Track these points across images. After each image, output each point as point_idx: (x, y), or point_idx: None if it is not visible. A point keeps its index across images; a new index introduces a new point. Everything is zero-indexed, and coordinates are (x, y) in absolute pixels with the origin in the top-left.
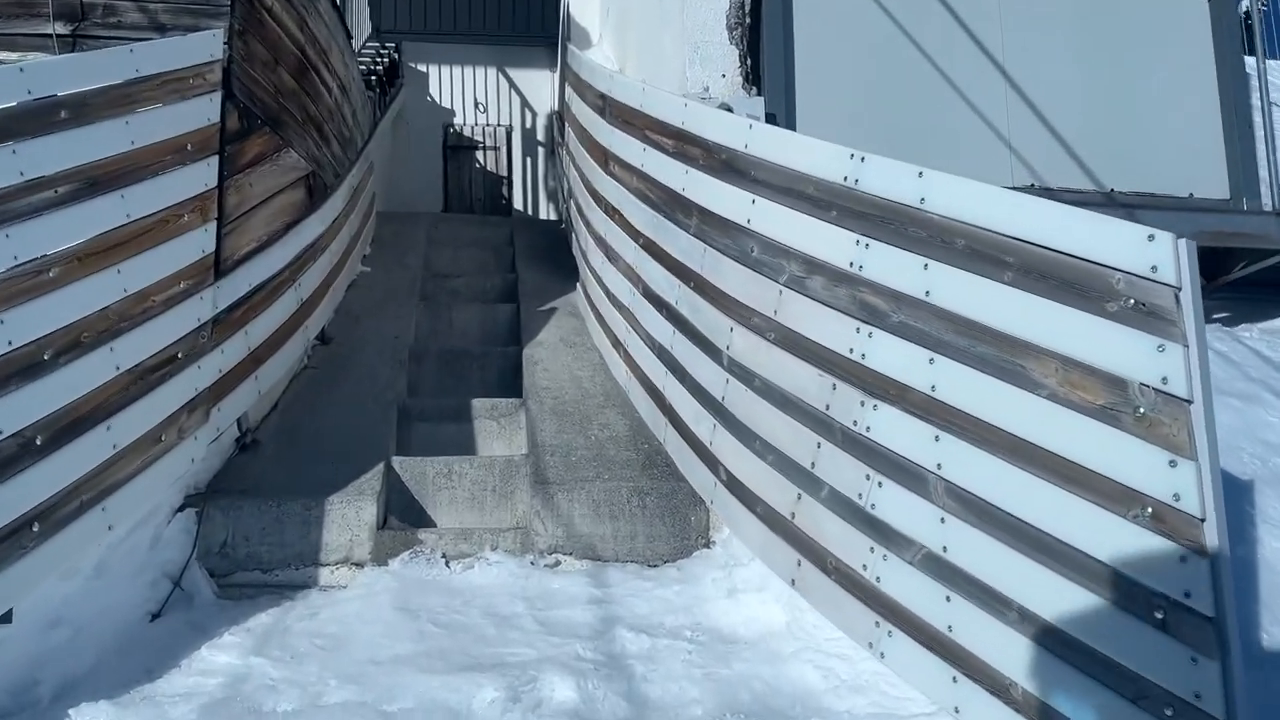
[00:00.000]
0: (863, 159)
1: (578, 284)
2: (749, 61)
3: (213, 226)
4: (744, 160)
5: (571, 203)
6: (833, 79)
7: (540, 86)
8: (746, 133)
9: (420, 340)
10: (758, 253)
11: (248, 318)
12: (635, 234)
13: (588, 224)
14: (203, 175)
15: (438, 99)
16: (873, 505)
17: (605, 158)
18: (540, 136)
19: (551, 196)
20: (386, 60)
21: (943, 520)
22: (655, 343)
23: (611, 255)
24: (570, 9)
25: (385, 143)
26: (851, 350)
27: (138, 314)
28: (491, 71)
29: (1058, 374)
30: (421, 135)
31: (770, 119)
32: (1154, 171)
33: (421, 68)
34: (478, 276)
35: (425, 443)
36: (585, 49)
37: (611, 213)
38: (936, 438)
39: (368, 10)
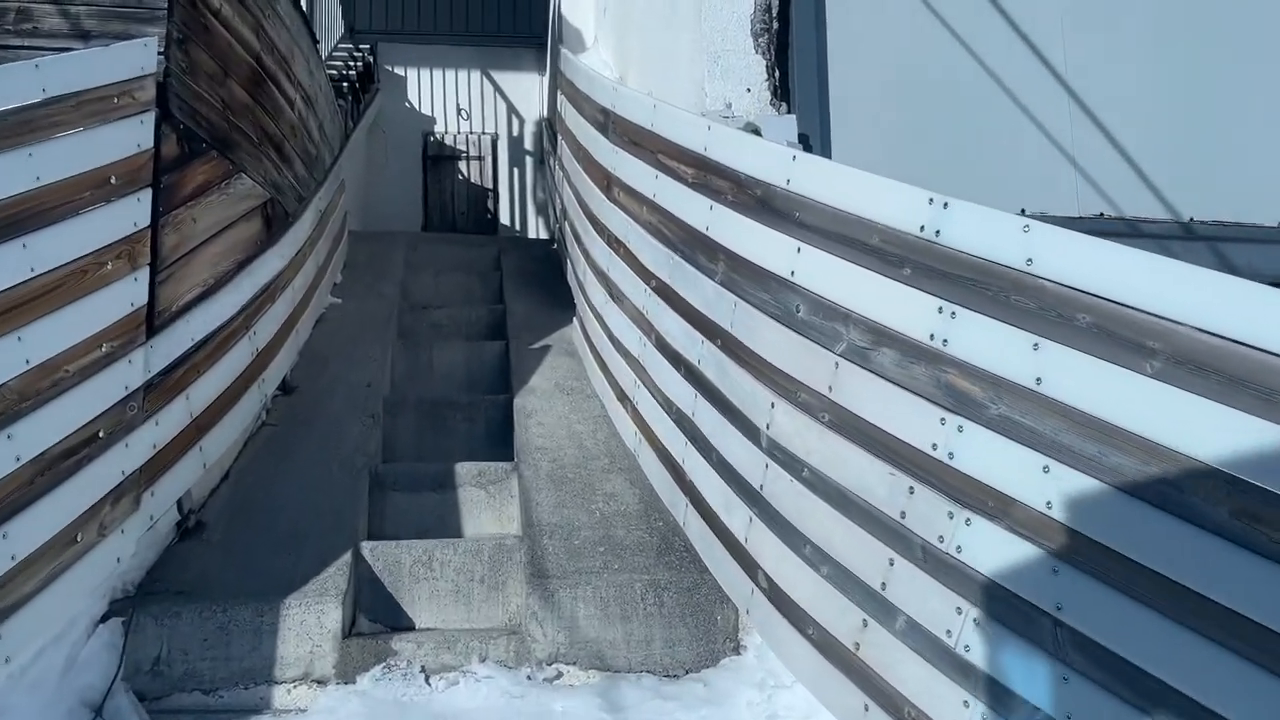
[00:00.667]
0: (945, 205)
1: (573, 317)
2: (777, 73)
3: (144, 274)
4: (786, 199)
5: (566, 225)
6: (872, 94)
7: (528, 91)
8: (788, 165)
9: (396, 387)
10: (805, 313)
11: (189, 379)
12: (646, 274)
13: (586, 254)
14: (131, 213)
15: (417, 105)
16: (966, 648)
17: (608, 181)
18: (529, 145)
19: (541, 210)
20: (360, 64)
21: (1065, 680)
22: (673, 406)
23: (616, 294)
24: (561, 7)
25: (359, 155)
26: (935, 446)
27: (45, 390)
28: (475, 75)
29: (1228, 500)
30: (399, 145)
31: (803, 141)
32: (1240, 198)
33: (399, 71)
34: (461, 307)
35: (401, 517)
36: (579, 52)
37: (615, 245)
38: (1055, 570)
39: (339, 9)
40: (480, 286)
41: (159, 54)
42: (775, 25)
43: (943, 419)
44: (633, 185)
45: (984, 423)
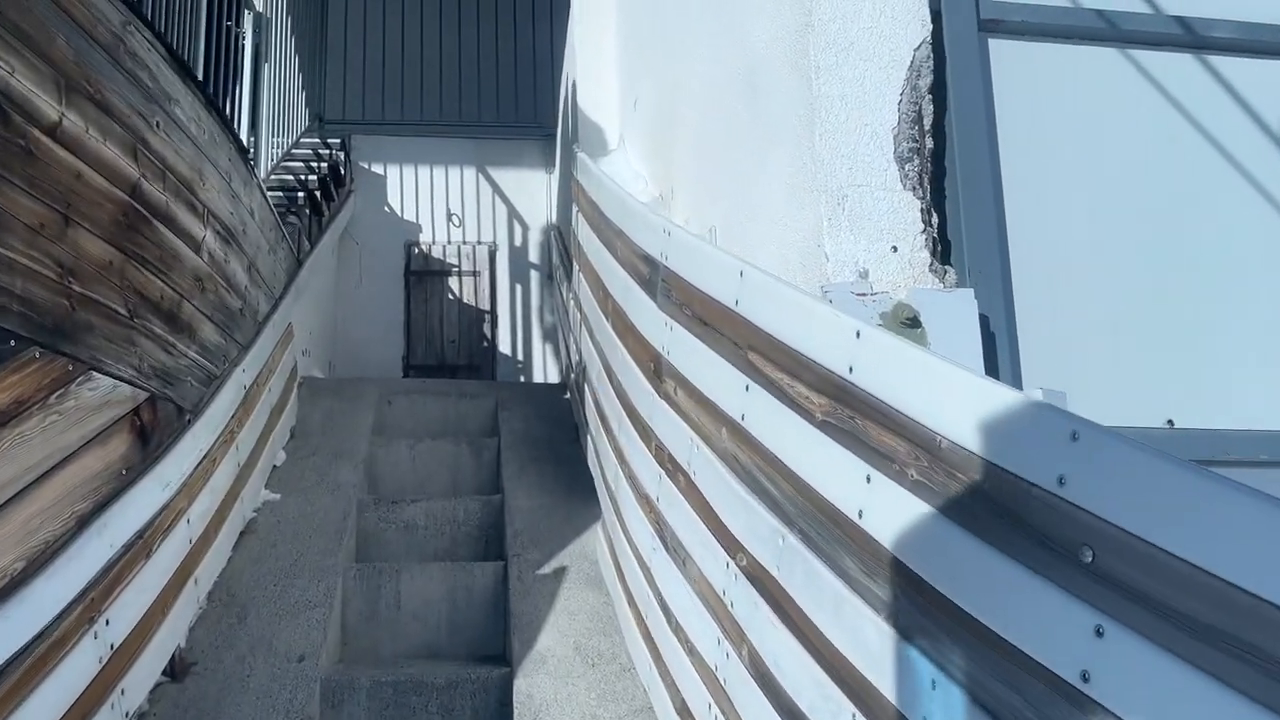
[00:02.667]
0: None
1: (598, 524)
2: (934, 219)
3: None
4: (1066, 515)
5: (585, 388)
6: (1074, 244)
7: (533, 191)
8: (1064, 451)
9: (347, 649)
10: None
11: None
12: (730, 541)
13: (618, 452)
14: None
15: (398, 210)
16: None
17: (656, 365)
18: (534, 256)
19: (549, 335)
20: (329, 161)
21: None
22: None
23: (673, 545)
24: (576, 97)
25: (323, 275)
26: None
27: None
28: (469, 173)
29: None
30: (376, 258)
31: (984, 328)
32: None
33: (377, 169)
34: (445, 500)
35: None
36: (599, 156)
37: (670, 468)
38: None
39: (303, 95)
40: (471, 462)
41: None
42: (929, 143)
43: None
44: (701, 388)
45: None
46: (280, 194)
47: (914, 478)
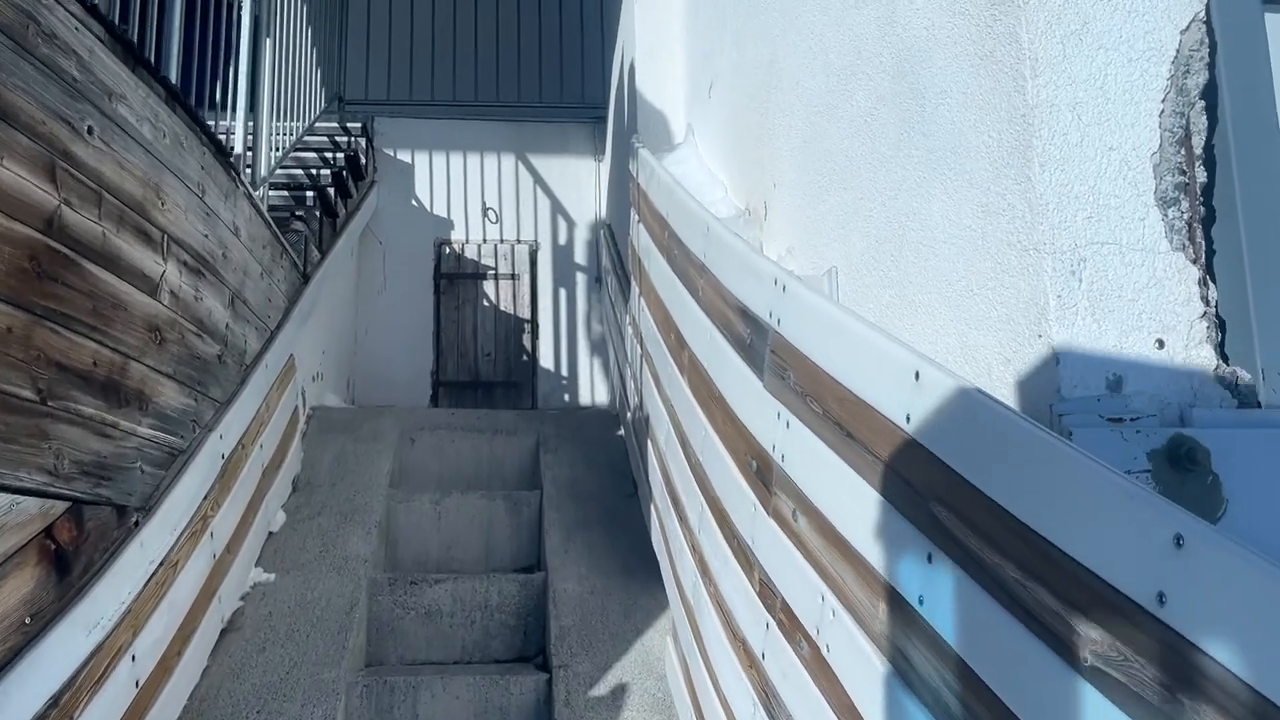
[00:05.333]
0: None
1: (665, 626)
2: (1211, 291)
3: None
4: None
5: (650, 450)
6: None
7: (580, 181)
8: None
9: None
10: None
11: None
12: None
13: (700, 561)
14: None
15: (427, 204)
16: None
17: (762, 468)
18: (580, 257)
19: (597, 348)
20: (346, 151)
21: None
22: None
23: (768, 693)
24: (635, 76)
25: (339, 285)
26: None
27: None
28: (508, 161)
29: None
30: (402, 259)
31: None
32: None
33: (404, 156)
34: (475, 579)
35: None
36: (663, 151)
37: (788, 625)
38: None
39: (319, 71)
40: (508, 522)
41: None
42: (1199, 174)
43: None
44: (841, 529)
45: None
46: (286, 193)
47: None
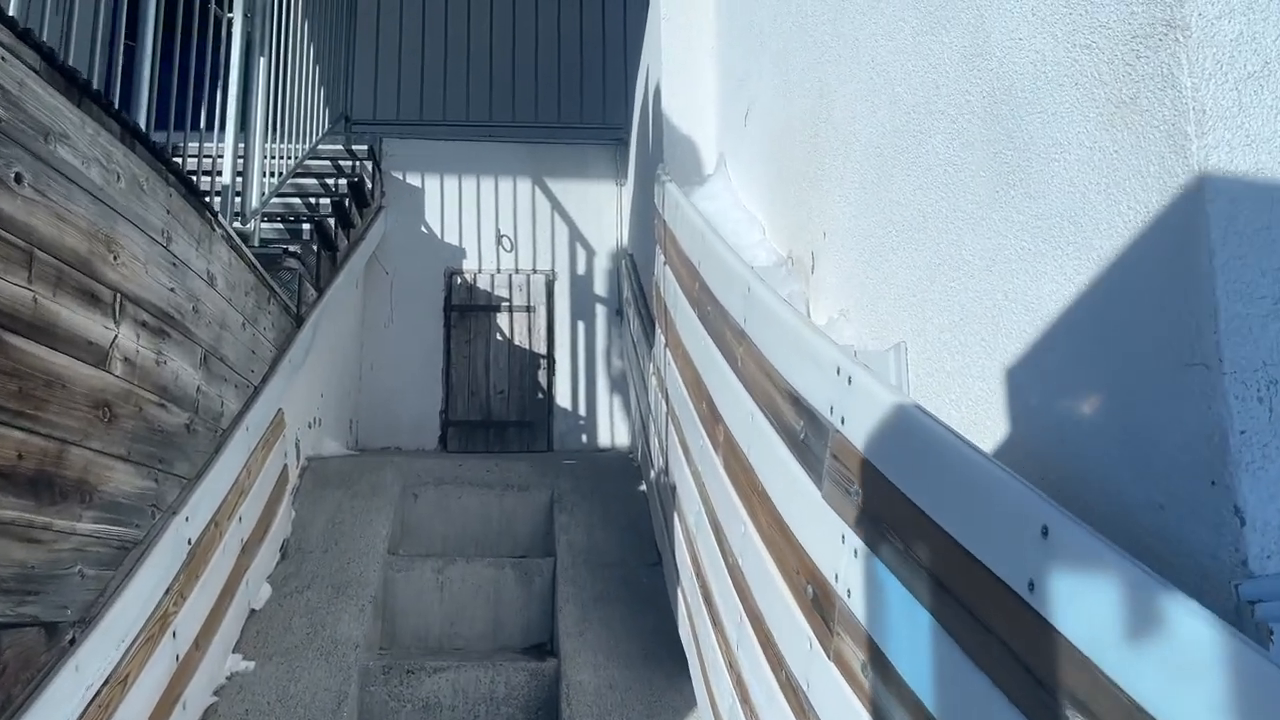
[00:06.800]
0: None
1: None
2: None
3: None
4: None
5: (678, 528)
6: None
7: (601, 206)
8: None
9: None
10: None
11: None
12: None
13: (738, 684)
14: None
15: (438, 230)
16: None
17: (821, 600)
18: (600, 287)
19: (617, 386)
20: (350, 176)
21: None
22: None
23: None
24: (660, 99)
25: (340, 320)
26: None
27: None
28: (523, 185)
29: None
30: (410, 290)
31: None
32: None
33: (413, 180)
34: (480, 667)
35: None
36: (691, 183)
37: None
38: None
39: (322, 90)
40: (518, 594)
41: None
42: None
43: None
44: (929, 706)
45: None
46: (282, 225)
47: None
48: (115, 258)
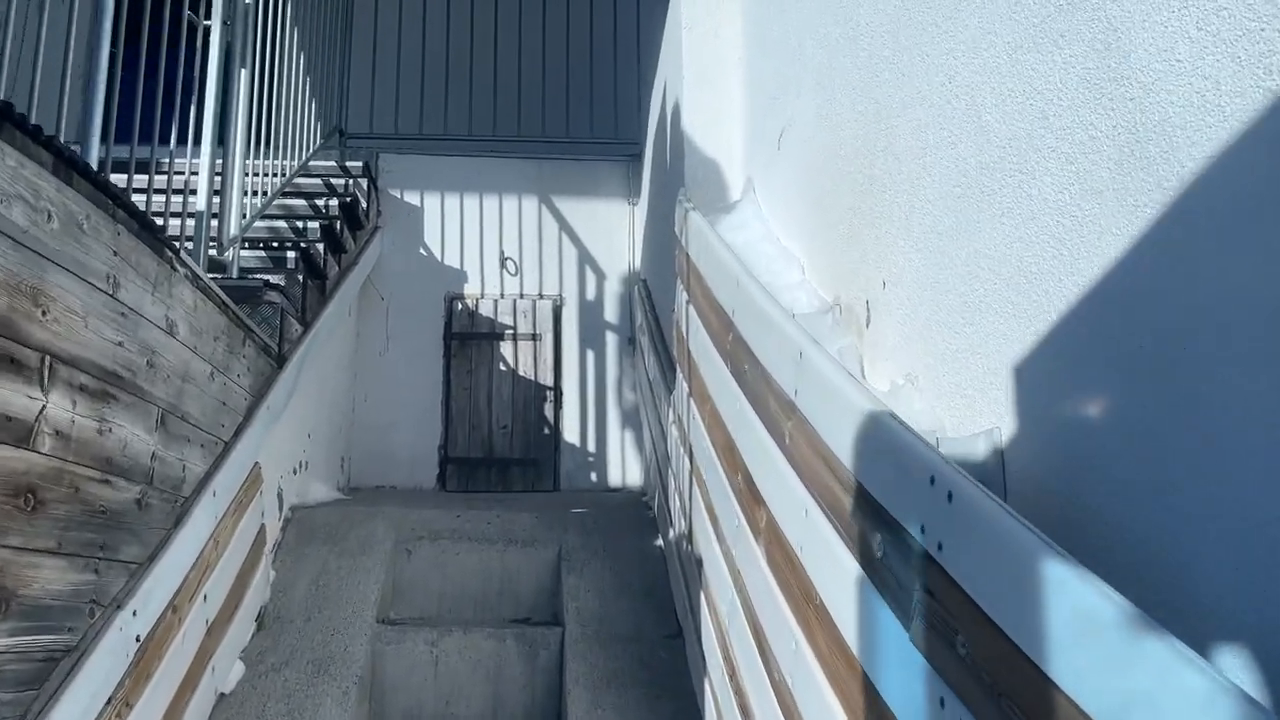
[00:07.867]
0: None
1: None
2: None
3: None
4: None
5: (704, 607)
6: None
7: (612, 227)
8: None
9: None
10: None
11: None
12: None
13: None
14: None
15: (437, 252)
16: None
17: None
18: (610, 313)
19: (629, 420)
20: (344, 196)
21: None
22: None
23: None
24: (680, 115)
25: (331, 350)
26: None
27: None
28: (529, 204)
29: None
30: (407, 316)
31: None
32: None
33: (411, 198)
34: None
35: None
36: (716, 212)
37: None
38: None
39: (313, 101)
40: (521, 671)
41: None
42: None
43: None
44: None
45: None
46: (264, 252)
47: None
48: (44, 313)
